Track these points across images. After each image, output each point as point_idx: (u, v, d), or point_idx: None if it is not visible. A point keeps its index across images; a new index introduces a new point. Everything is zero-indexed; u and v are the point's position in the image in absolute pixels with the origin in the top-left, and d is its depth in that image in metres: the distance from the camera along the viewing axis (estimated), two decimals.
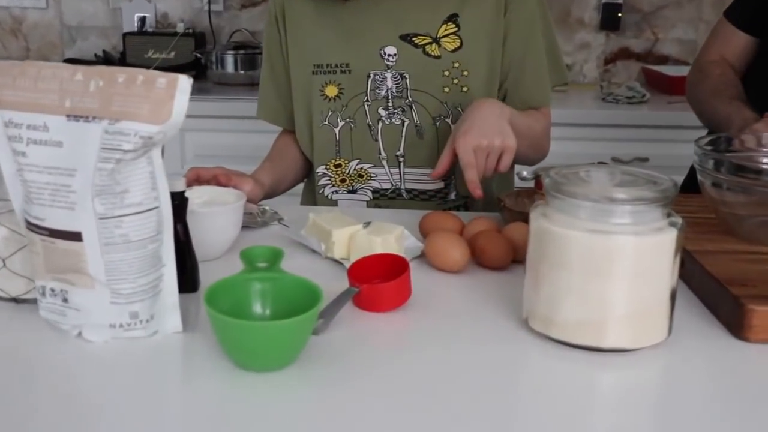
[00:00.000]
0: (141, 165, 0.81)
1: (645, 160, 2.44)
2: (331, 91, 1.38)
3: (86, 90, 0.80)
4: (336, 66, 1.37)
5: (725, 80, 1.54)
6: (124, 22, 3.04)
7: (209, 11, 2.99)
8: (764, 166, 1.11)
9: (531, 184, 1.22)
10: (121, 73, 0.80)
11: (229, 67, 2.80)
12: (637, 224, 0.82)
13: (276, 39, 1.45)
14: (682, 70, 2.78)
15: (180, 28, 2.94)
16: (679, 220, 0.84)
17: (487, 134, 1.18)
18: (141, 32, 2.97)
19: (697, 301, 0.98)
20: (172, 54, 2.88)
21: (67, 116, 0.80)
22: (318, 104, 1.40)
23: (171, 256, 0.86)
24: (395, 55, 1.36)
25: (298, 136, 1.47)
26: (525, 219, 1.15)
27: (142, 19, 3.01)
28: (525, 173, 1.16)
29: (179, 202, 0.96)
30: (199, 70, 2.90)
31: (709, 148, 1.14)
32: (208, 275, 0.97)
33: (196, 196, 1.14)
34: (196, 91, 2.70)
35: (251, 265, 0.89)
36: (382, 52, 1.36)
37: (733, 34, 1.58)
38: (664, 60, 2.94)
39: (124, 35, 2.92)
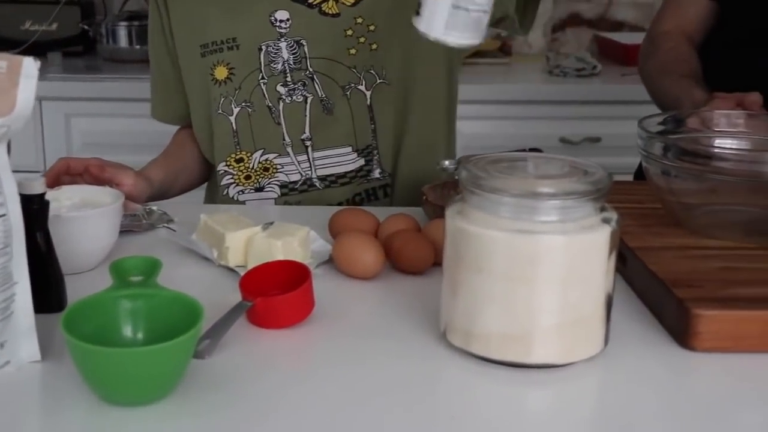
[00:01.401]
0: None
1: (597, 140, 2.46)
2: (221, 72, 1.35)
3: None
4: (222, 42, 1.34)
5: (676, 54, 1.55)
6: None
7: None
8: (715, 150, 1.11)
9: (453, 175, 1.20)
10: None
11: (122, 41, 2.74)
12: (566, 222, 0.82)
13: (158, 23, 1.42)
14: (639, 38, 2.82)
15: None
16: (613, 215, 0.84)
17: None
18: (16, 0, 2.89)
19: (640, 306, 0.99)
20: (54, 26, 2.80)
21: None
22: (211, 91, 1.36)
23: (24, 272, 0.82)
24: (288, 20, 1.32)
25: (195, 133, 1.44)
26: None
27: None
28: (447, 163, 1.14)
29: (38, 207, 0.93)
30: (87, 44, 2.83)
31: (656, 130, 1.14)
32: (77, 291, 0.93)
33: (66, 197, 1.11)
34: (84, 69, 2.70)
35: (122, 279, 0.86)
36: (273, 18, 1.32)
37: None
38: (618, 26, 2.97)
39: None
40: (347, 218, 1.14)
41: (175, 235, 1.16)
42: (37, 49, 2.76)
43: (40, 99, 2.42)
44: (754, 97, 1.29)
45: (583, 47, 2.92)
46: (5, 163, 0.79)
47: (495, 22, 1.36)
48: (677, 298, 0.89)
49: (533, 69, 2.71)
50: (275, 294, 0.94)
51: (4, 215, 0.80)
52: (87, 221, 1.05)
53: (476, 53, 2.62)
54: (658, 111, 1.60)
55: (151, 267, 0.88)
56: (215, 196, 1.45)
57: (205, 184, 1.53)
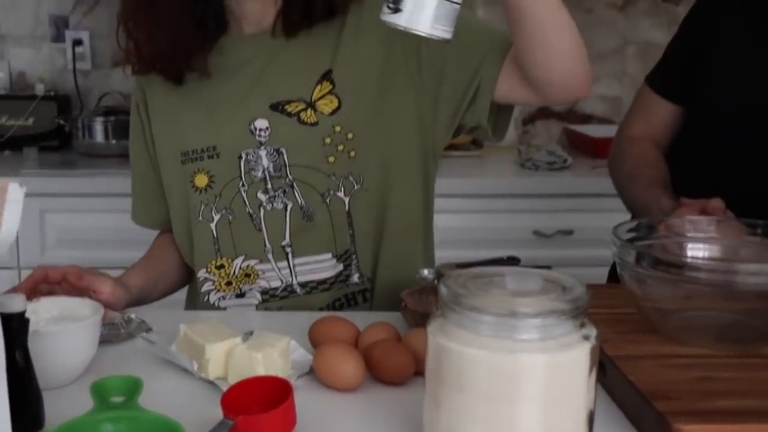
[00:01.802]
0: None
1: (570, 232, 2.49)
2: (201, 180, 1.36)
3: None
4: (203, 150, 1.35)
5: (644, 160, 1.58)
6: None
7: (74, 70, 2.96)
8: (688, 260, 1.14)
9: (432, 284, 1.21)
10: None
11: (98, 136, 2.76)
12: (546, 339, 0.82)
13: (140, 131, 1.44)
14: (608, 131, 2.87)
15: (40, 90, 2.89)
16: (593, 331, 0.85)
17: None
18: None
19: (621, 416, 0.99)
20: (30, 120, 2.82)
21: None
22: (191, 198, 1.37)
23: (3, 392, 0.82)
24: (267, 128, 1.34)
25: (176, 238, 1.44)
26: None
27: None
28: (425, 272, 1.15)
29: (18, 325, 0.92)
30: (62, 139, 2.85)
31: (628, 237, 1.17)
32: (56, 407, 0.93)
33: (45, 310, 1.10)
34: (59, 164, 2.70)
35: (103, 401, 0.85)
36: (252, 127, 1.34)
37: (656, 103, 1.62)
38: (587, 119, 3.04)
39: None
40: (327, 327, 1.14)
41: (154, 347, 1.15)
42: (12, 143, 2.78)
43: None
44: (716, 203, 1.32)
45: (554, 139, 2.98)
46: None
47: (468, 130, 1.39)
48: (657, 411, 0.90)
49: (505, 161, 2.75)
50: (257, 411, 0.93)
51: None
52: (66, 336, 1.04)
53: (449, 146, 2.66)
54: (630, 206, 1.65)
55: (133, 387, 0.88)
56: (195, 302, 1.45)
57: (185, 288, 1.53)
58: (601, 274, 1.77)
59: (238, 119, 1.34)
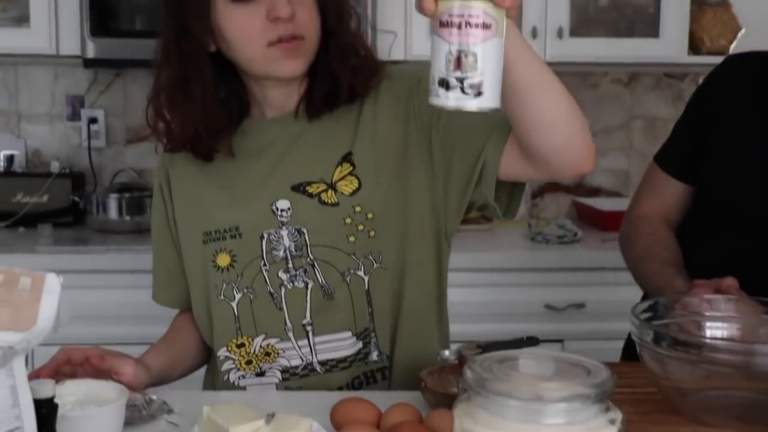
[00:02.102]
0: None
1: (581, 306, 2.50)
2: (223, 260, 1.38)
3: None
4: (225, 231, 1.37)
5: (656, 240, 1.59)
6: None
7: (89, 148, 3.00)
8: (707, 341, 1.15)
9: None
10: None
11: (113, 213, 2.79)
12: (573, 424, 0.83)
13: (162, 210, 1.47)
14: (616, 204, 2.91)
15: (55, 167, 2.92)
16: (618, 414, 0.86)
17: None
18: (8, 173, 2.95)
19: None
20: (45, 197, 2.85)
21: None
22: (212, 277, 1.39)
23: None
24: (289, 209, 1.36)
25: (195, 318, 1.45)
26: (450, 403, 1.16)
27: (10, 158, 3.00)
28: (447, 353, 1.16)
29: (47, 411, 0.93)
30: (77, 215, 2.87)
31: (646, 316, 1.18)
32: None
33: (69, 392, 1.11)
34: (74, 241, 2.72)
35: None
36: (274, 207, 1.36)
37: (665, 182, 1.64)
38: (595, 192, 3.06)
39: None
40: (349, 409, 1.14)
41: (176, 429, 1.16)
42: (27, 220, 2.81)
43: None
44: (730, 282, 1.33)
45: (563, 213, 3.00)
46: (23, 376, 0.81)
47: (478, 207, 1.42)
48: None
49: (515, 235, 2.76)
50: None
51: (19, 427, 0.81)
52: (92, 420, 1.05)
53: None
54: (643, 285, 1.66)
55: None
56: (215, 381, 1.45)
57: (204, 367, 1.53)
58: (614, 348, 1.77)
59: (260, 200, 1.37)
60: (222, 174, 1.40)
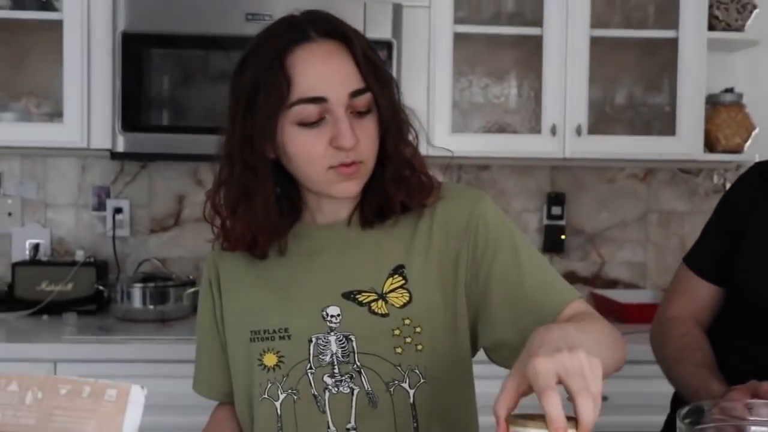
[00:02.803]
0: None
1: (604, 399, 2.49)
2: (270, 359, 1.39)
3: (21, 402, 0.81)
4: (274, 331, 1.39)
5: (688, 341, 1.61)
6: (13, 249, 3.06)
7: (113, 237, 3.04)
8: None
9: None
10: (64, 384, 0.82)
11: (137, 302, 2.81)
12: None
13: (210, 305, 1.49)
14: (634, 296, 2.94)
15: (79, 256, 2.96)
16: None
17: (561, 347, 0.99)
18: (34, 261, 2.98)
19: None
20: (70, 286, 2.88)
21: None
22: (257, 376, 1.41)
23: None
24: (338, 315, 1.37)
25: (237, 413, 1.46)
26: None
27: (35, 247, 3.04)
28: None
29: None
30: (101, 304, 2.90)
31: (689, 420, 1.19)
32: None
33: None
34: (97, 330, 2.74)
35: None
36: (324, 313, 1.38)
37: (696, 284, 1.66)
38: (613, 284, 3.09)
39: (14, 265, 2.93)
40: None
41: None
42: (52, 308, 2.83)
43: (54, 361, 2.45)
44: None
45: None
46: None
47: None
48: None
49: None
50: None
51: None
52: None
53: None
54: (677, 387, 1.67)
55: None
56: None
57: None
58: None
59: (311, 305, 1.39)
60: (272, 274, 1.43)
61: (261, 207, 1.37)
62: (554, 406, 0.95)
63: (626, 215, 3.13)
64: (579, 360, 0.98)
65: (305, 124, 1.30)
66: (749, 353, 1.56)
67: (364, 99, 1.32)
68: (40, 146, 2.81)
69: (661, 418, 1.79)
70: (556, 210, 3.09)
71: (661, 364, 1.68)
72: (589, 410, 0.96)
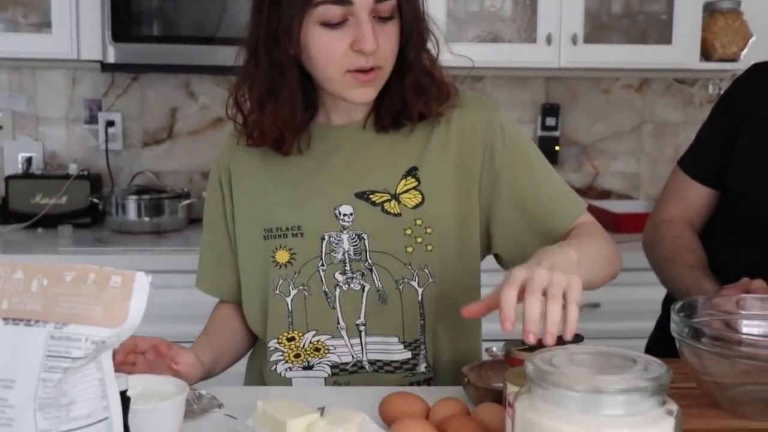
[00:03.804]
0: (90, 372, 0.82)
1: (596, 305, 2.54)
2: (282, 256, 1.41)
3: (27, 290, 0.82)
4: (287, 229, 1.41)
5: (681, 243, 1.63)
6: (6, 163, 3.05)
7: (107, 150, 3.03)
8: (745, 336, 1.18)
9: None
10: (69, 271, 0.82)
11: (131, 214, 2.82)
12: (632, 415, 0.87)
13: (219, 204, 1.50)
14: (627, 206, 2.96)
15: (73, 169, 2.96)
16: (674, 406, 0.90)
17: (543, 264, 1.09)
18: (27, 175, 2.98)
19: None
20: (64, 199, 2.89)
21: (4, 319, 0.81)
22: (270, 272, 1.42)
23: None
24: (351, 214, 1.40)
25: (246, 310, 1.48)
26: (493, 397, 1.20)
27: (28, 160, 3.03)
28: (495, 349, 1.20)
29: (121, 404, 0.96)
30: (95, 217, 2.91)
31: (683, 314, 1.22)
32: None
33: (130, 386, 1.14)
34: (93, 242, 2.75)
35: None
36: (337, 211, 1.40)
37: (690, 187, 1.67)
38: (606, 195, 3.11)
39: (7, 178, 2.93)
40: (400, 403, 1.18)
41: (235, 422, 1.19)
42: (46, 221, 2.84)
43: None
44: (759, 284, 1.38)
45: None
46: (111, 369, 0.84)
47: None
48: None
49: None
50: None
51: (107, 418, 0.84)
52: (156, 414, 1.08)
53: None
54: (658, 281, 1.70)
55: None
56: (260, 373, 1.49)
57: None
58: (631, 346, 1.76)
59: (324, 203, 1.40)
60: (287, 172, 1.44)
61: (288, 103, 1.37)
62: (507, 295, 1.06)
63: (621, 126, 3.13)
64: (551, 275, 1.07)
65: (328, 25, 1.30)
66: (741, 254, 1.58)
67: (389, 5, 1.31)
68: (28, 57, 2.78)
69: (651, 324, 1.82)
70: (550, 121, 3.08)
71: (654, 266, 1.70)
72: (532, 308, 1.05)
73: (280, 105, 1.37)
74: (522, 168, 1.42)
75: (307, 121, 1.43)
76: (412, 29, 1.36)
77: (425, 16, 1.39)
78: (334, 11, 1.29)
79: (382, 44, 1.31)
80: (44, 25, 2.76)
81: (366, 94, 1.35)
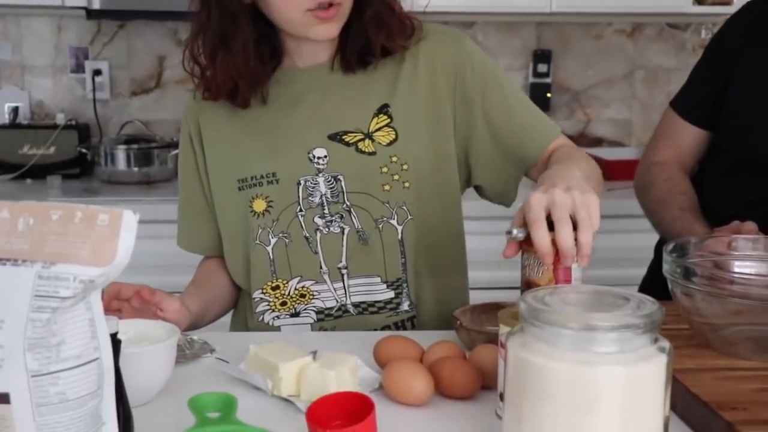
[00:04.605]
0: (79, 312, 0.82)
1: None
2: (259, 205, 1.40)
3: (14, 229, 0.81)
4: (262, 177, 1.40)
5: (672, 186, 1.63)
6: None
7: (94, 100, 3.00)
8: (737, 276, 1.18)
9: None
10: (55, 210, 0.81)
11: (121, 164, 2.80)
12: (625, 352, 0.87)
13: (191, 159, 1.48)
14: (619, 153, 2.96)
15: (60, 119, 2.93)
16: (666, 344, 0.90)
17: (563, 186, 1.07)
18: (13, 125, 2.95)
19: (684, 427, 1.03)
20: (52, 149, 2.86)
21: None
22: (249, 222, 1.41)
23: (112, 413, 0.85)
24: (326, 156, 1.39)
25: (229, 263, 1.48)
26: (486, 339, 1.20)
27: (15, 110, 3.00)
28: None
29: (112, 347, 0.96)
30: (84, 167, 2.89)
31: (675, 254, 1.21)
32: (140, 425, 0.96)
33: (121, 331, 1.13)
34: (83, 192, 2.74)
35: (202, 416, 0.89)
36: (311, 155, 1.39)
37: (682, 128, 1.66)
38: (598, 142, 3.10)
39: None
40: (393, 346, 1.18)
41: (227, 366, 1.19)
42: (35, 172, 2.82)
43: None
44: (750, 226, 1.38)
45: None
46: (100, 309, 0.83)
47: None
48: (726, 422, 0.94)
49: (522, 185, 2.78)
50: (339, 426, 0.97)
51: (98, 359, 0.83)
52: (149, 357, 1.08)
53: None
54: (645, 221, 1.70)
55: (228, 403, 0.91)
56: (245, 322, 1.49)
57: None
58: None
59: (297, 148, 1.39)
60: (256, 122, 1.42)
61: (240, 53, 1.35)
62: (541, 237, 1.04)
63: (612, 73, 3.10)
64: (571, 196, 1.04)
65: None
66: (732, 195, 1.58)
67: None
68: (12, 4, 2.73)
69: (643, 271, 1.82)
70: (542, 68, 3.06)
71: (646, 208, 1.70)
72: (565, 237, 1.04)
73: (232, 55, 1.35)
74: (494, 95, 1.42)
75: (272, 69, 1.42)
76: None
77: None
78: None
79: None
80: None
81: (329, 30, 1.34)
